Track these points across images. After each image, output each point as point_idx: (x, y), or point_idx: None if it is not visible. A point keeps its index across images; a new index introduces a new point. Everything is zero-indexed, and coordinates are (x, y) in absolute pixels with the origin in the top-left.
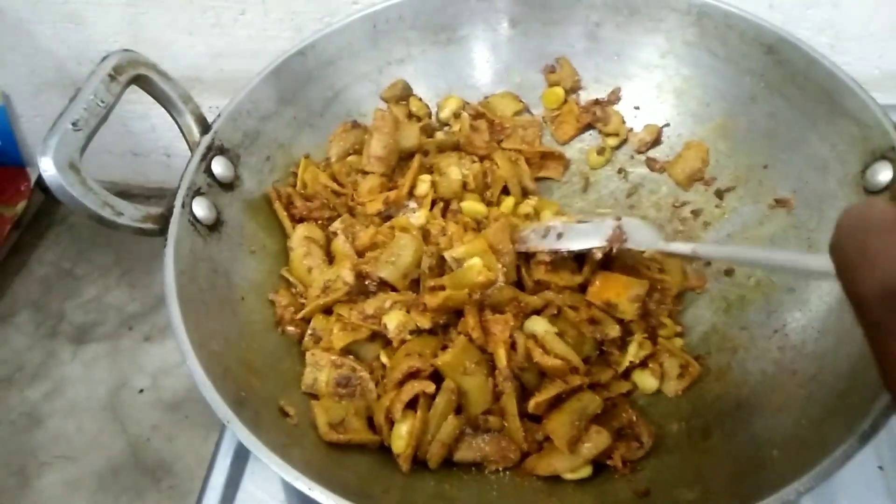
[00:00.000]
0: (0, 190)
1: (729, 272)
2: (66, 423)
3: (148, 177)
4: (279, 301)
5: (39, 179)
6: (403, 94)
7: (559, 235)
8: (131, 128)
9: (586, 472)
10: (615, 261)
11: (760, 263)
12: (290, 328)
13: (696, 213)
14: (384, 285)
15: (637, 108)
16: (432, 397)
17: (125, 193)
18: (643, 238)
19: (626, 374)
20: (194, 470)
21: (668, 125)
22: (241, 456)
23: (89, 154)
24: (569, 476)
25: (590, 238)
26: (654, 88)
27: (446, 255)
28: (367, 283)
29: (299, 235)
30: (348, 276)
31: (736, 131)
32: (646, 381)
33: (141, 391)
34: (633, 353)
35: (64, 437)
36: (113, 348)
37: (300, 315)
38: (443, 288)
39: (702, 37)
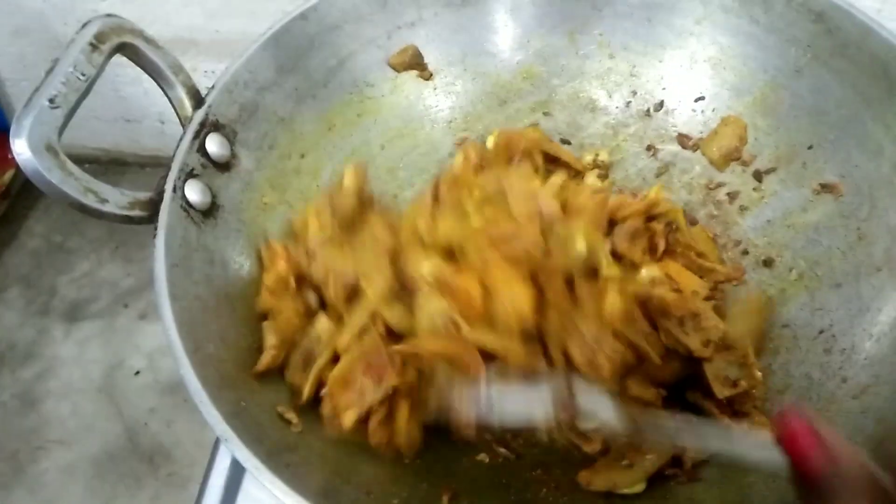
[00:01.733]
0: None
1: (768, 262)
2: (59, 406)
3: (142, 144)
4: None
5: None
6: (413, 62)
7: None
8: (122, 93)
9: (640, 487)
10: None
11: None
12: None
13: (732, 196)
14: None
15: (666, 78)
16: None
17: (118, 162)
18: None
19: None
20: (194, 456)
21: (702, 98)
22: None
23: (78, 121)
24: (624, 491)
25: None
26: (686, 58)
27: None
28: None
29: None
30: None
31: (778, 107)
32: None
33: (137, 373)
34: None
35: (58, 421)
36: (107, 326)
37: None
38: None
39: (742, 2)
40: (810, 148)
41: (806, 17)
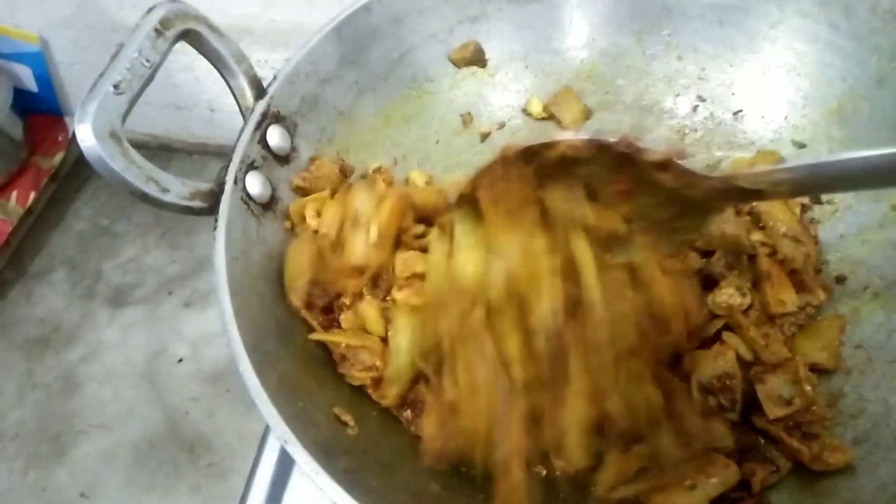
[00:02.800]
0: (37, 140)
1: (840, 279)
2: (102, 390)
3: (191, 131)
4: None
5: None
6: (475, 58)
7: None
8: (174, 80)
9: None
10: None
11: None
12: None
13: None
14: None
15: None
16: None
17: (167, 148)
18: None
19: None
20: (235, 448)
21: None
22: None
23: None
24: None
25: None
26: (759, 64)
27: None
28: None
29: None
30: None
31: (856, 118)
32: None
33: (180, 360)
34: None
35: (100, 405)
36: (151, 313)
37: None
38: None
39: (821, 6)
40: None
41: (891, 25)
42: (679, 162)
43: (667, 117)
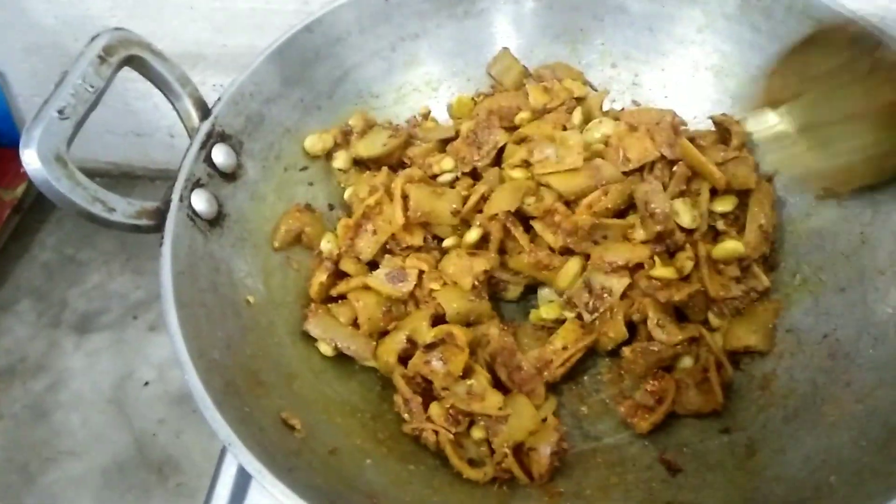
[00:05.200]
0: None
1: (772, 267)
2: (70, 417)
3: (152, 158)
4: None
5: None
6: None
7: None
8: (133, 107)
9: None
10: None
11: None
12: None
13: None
14: None
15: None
16: None
17: (128, 175)
18: None
19: None
20: (203, 467)
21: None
22: None
23: (90, 135)
24: None
25: None
26: (689, 67)
27: None
28: None
29: None
30: None
31: None
32: None
33: (146, 384)
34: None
35: (68, 432)
36: (117, 339)
37: None
38: None
39: (743, 9)
40: None
41: (806, 24)
42: None
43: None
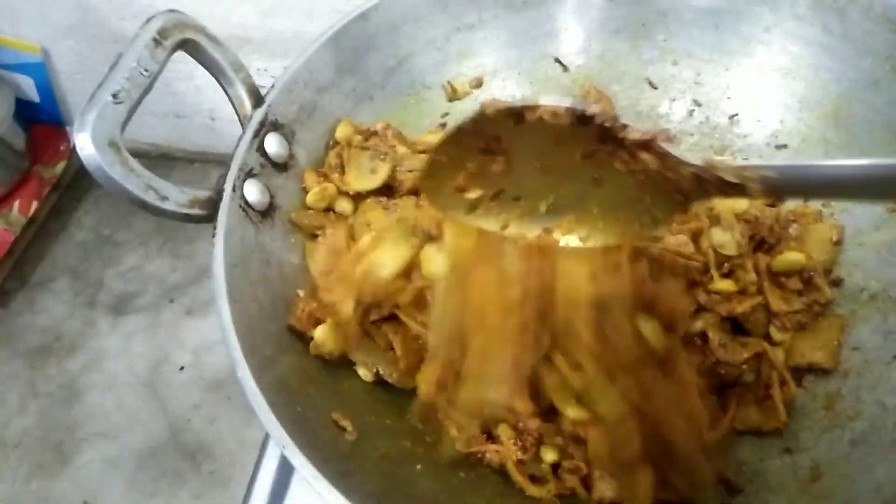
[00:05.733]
0: (39, 150)
1: (837, 282)
2: (104, 399)
3: (192, 140)
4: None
5: None
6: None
7: None
8: (175, 89)
9: None
10: None
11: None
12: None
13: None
14: None
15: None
16: None
17: (167, 156)
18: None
19: None
20: (236, 455)
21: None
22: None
23: None
24: None
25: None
26: (754, 66)
27: None
28: None
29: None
30: None
31: (851, 120)
32: None
33: (182, 368)
34: None
35: (102, 413)
36: (153, 321)
37: None
38: None
39: (815, 10)
40: None
41: (885, 27)
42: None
43: (662, 122)
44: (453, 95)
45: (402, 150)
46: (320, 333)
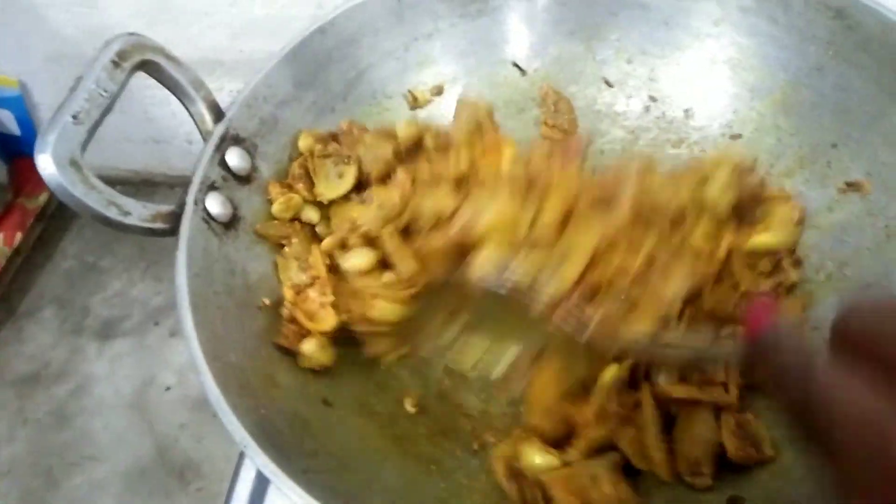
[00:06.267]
0: (21, 181)
1: (796, 263)
2: (92, 422)
3: (171, 164)
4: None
5: None
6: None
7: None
8: (150, 114)
9: None
10: None
11: None
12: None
13: None
14: None
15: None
16: None
17: (148, 182)
18: None
19: None
20: (223, 471)
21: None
22: None
23: (109, 143)
24: None
25: None
26: (706, 60)
27: None
28: None
29: None
30: None
31: (799, 106)
32: None
33: (168, 388)
34: None
35: (91, 437)
36: (139, 344)
37: None
38: None
39: (760, 1)
40: (834, 146)
41: (825, 15)
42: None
43: (620, 119)
44: (415, 104)
45: (368, 139)
46: (307, 347)
